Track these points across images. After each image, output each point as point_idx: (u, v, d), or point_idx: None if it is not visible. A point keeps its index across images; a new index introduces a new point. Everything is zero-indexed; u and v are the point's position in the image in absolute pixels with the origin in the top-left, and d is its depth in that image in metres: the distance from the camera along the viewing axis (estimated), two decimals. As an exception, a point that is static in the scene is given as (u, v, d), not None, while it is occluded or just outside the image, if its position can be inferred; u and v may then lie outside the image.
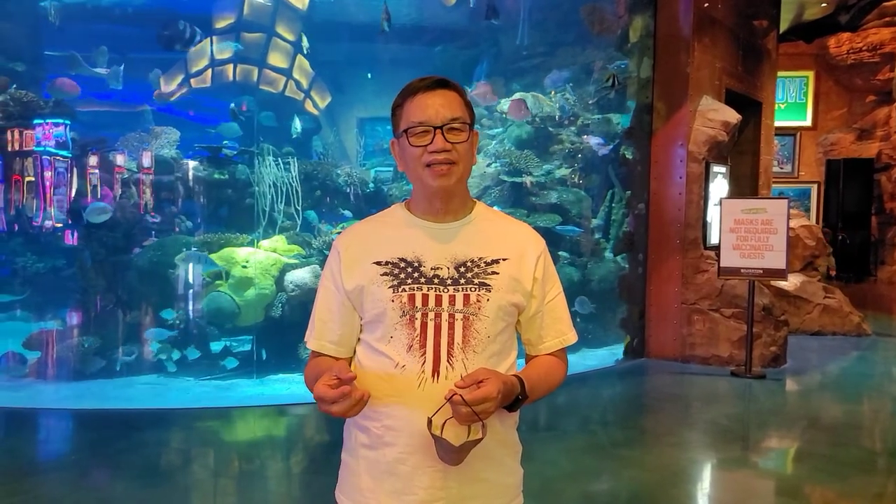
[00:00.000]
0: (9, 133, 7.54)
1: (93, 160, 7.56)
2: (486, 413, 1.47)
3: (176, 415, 5.92)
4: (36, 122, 7.56)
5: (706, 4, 8.22)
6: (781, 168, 13.68)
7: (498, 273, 1.67)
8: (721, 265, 7.45)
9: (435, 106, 1.64)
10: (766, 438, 5.81)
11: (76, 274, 7.34)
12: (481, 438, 1.48)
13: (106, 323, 7.15)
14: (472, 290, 1.64)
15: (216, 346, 7.26)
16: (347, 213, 8.49)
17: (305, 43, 8.06)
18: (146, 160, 7.68)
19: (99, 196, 7.49)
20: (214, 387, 6.77)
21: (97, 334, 7.02)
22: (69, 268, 7.48)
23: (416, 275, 1.65)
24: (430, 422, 1.48)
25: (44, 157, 7.52)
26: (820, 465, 4.93)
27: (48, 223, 7.68)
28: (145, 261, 7.29)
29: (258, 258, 7.31)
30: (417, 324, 1.61)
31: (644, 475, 4.69)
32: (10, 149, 7.54)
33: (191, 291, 7.16)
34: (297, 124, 8.85)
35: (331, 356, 1.73)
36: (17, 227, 7.52)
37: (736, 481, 4.77)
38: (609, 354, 8.28)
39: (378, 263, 1.67)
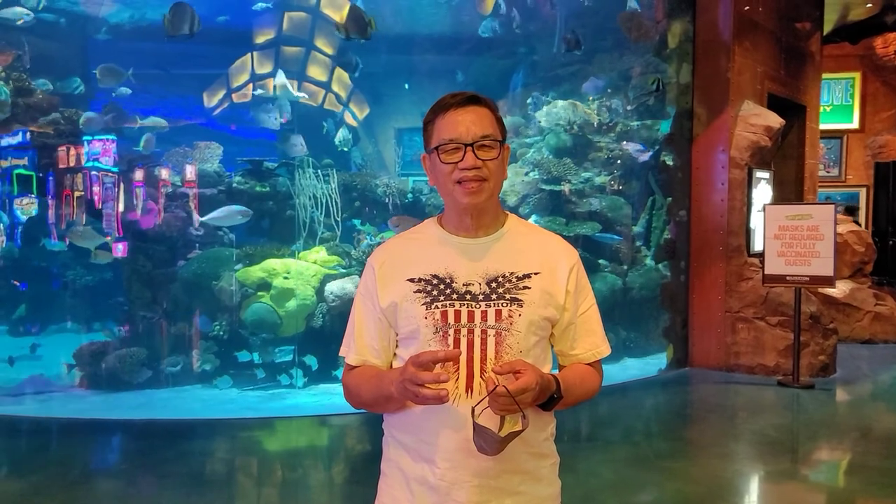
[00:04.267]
0: (59, 150, 7.78)
1: (139, 175, 7.75)
2: (524, 403, 1.48)
3: (220, 424, 6.01)
4: (84, 138, 7.80)
5: (746, 8, 8.10)
6: (828, 172, 13.36)
7: (530, 287, 1.67)
8: (765, 272, 7.30)
9: (466, 123, 1.65)
10: (816, 450, 5.67)
11: (123, 286, 7.52)
12: (522, 430, 1.49)
13: (152, 334, 7.31)
14: (504, 305, 1.64)
15: (258, 357, 7.35)
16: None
17: (373, 26, 7.92)
18: (190, 174, 7.84)
19: (145, 209, 7.67)
20: (257, 397, 6.85)
21: (143, 345, 7.16)
22: (117, 280, 7.66)
23: (448, 291, 1.65)
24: (473, 411, 1.50)
25: (92, 172, 7.74)
26: (873, 478, 4.78)
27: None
28: (190, 273, 7.43)
29: (299, 269, 7.39)
30: (450, 340, 1.62)
31: (689, 487, 4.61)
32: (60, 165, 7.79)
33: (234, 302, 7.27)
34: (344, 135, 8.93)
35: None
36: (67, 241, 7.73)
37: (785, 494, 4.66)
38: (651, 364, 8.16)
39: (411, 280, 1.68)
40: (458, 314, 1.63)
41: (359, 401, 1.74)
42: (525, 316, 1.64)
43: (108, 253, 7.37)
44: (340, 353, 1.79)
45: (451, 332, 1.63)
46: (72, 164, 7.75)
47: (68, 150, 7.78)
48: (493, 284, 1.66)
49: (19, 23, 7.46)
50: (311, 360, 7.07)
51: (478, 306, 1.64)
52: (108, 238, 7.33)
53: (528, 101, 9.60)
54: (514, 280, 1.67)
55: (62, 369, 7.17)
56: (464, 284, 1.66)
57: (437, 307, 1.64)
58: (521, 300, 1.65)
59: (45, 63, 8.00)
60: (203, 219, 7.37)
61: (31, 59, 7.82)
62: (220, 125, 9.05)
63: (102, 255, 7.30)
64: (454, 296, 1.65)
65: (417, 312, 1.64)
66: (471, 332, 1.63)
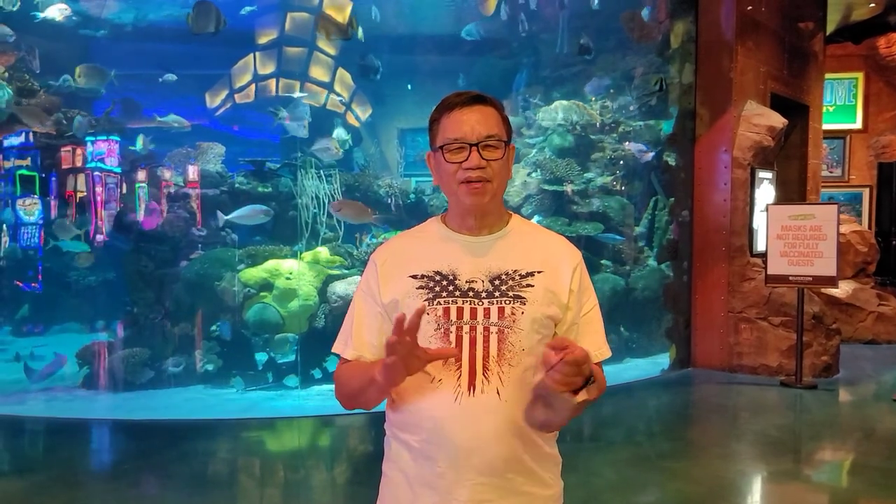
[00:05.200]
0: (61, 151, 7.79)
1: (141, 175, 7.76)
2: (585, 374, 1.46)
3: (223, 425, 6.02)
4: (87, 139, 7.80)
5: (749, 7, 8.09)
6: (831, 172, 13.33)
7: (533, 286, 1.66)
8: (768, 272, 7.29)
9: (471, 122, 1.64)
10: (818, 450, 5.66)
11: (126, 286, 7.53)
12: (592, 399, 1.50)
13: (154, 334, 7.32)
14: (507, 302, 1.63)
15: (261, 357, 7.36)
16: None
17: (355, 27, 7.65)
18: (192, 174, 7.85)
19: (146, 210, 7.68)
20: (259, 397, 6.86)
21: (146, 345, 7.17)
22: (119, 280, 7.68)
23: (450, 288, 1.65)
24: (540, 383, 1.51)
25: (95, 173, 7.75)
26: (876, 479, 4.77)
27: (99, 237, 7.91)
28: (192, 273, 7.43)
29: (301, 269, 7.40)
30: (452, 337, 1.61)
31: (691, 488, 4.60)
32: (63, 166, 7.80)
33: (236, 303, 7.28)
34: (340, 136, 8.89)
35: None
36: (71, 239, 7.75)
37: (787, 495, 4.65)
38: (654, 364, 8.15)
39: (413, 277, 1.67)
40: (460, 311, 1.63)
41: (345, 391, 1.73)
42: (528, 314, 1.63)
43: (90, 255, 7.38)
44: (335, 350, 1.77)
45: (453, 329, 1.62)
46: (77, 164, 7.76)
47: (73, 150, 7.80)
48: (497, 282, 1.66)
49: (60, 19, 7.46)
50: (332, 362, 7.04)
51: (480, 303, 1.63)
52: (82, 231, 7.33)
53: (520, 101, 9.60)
54: (517, 278, 1.66)
55: (66, 369, 7.17)
56: (467, 282, 1.65)
57: (439, 304, 1.63)
58: (524, 298, 1.64)
59: (49, 63, 8.00)
60: (227, 217, 7.38)
61: (39, 60, 7.82)
62: (223, 126, 9.06)
63: (85, 258, 7.32)
64: (457, 293, 1.64)
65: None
66: (473, 329, 1.62)
